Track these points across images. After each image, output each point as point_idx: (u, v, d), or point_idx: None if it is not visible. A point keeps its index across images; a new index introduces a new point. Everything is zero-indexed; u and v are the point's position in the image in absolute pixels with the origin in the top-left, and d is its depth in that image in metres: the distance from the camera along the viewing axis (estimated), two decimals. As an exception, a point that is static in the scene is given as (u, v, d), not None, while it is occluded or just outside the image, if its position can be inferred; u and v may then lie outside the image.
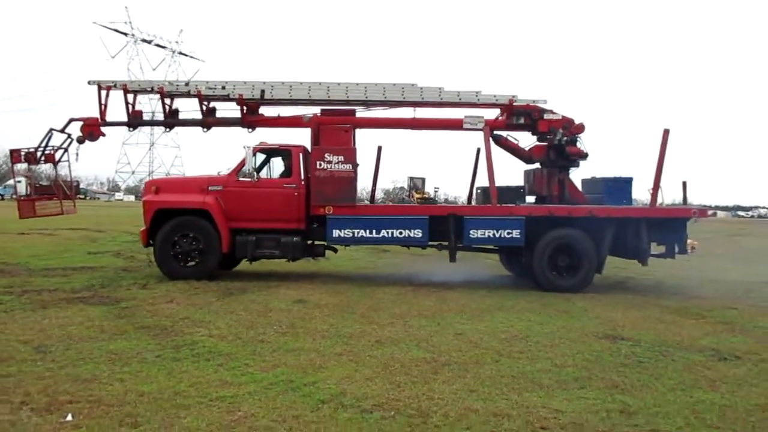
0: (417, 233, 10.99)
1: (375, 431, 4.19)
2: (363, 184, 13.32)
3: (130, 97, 11.93)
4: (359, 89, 11.70)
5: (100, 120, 11.65)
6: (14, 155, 11.81)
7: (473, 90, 11.91)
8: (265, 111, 12.18)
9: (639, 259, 11.33)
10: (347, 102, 11.79)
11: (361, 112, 11.91)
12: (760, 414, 4.80)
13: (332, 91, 11.68)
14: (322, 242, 11.37)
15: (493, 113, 12.19)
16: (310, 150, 11.31)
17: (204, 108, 11.83)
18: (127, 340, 6.36)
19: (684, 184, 12.05)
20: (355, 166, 11.06)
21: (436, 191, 39.99)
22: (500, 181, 11.64)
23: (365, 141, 11.69)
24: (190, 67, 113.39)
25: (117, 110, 11.92)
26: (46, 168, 12.46)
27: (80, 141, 11.67)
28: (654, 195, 11.32)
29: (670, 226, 11.40)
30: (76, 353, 5.81)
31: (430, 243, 11.42)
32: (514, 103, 11.79)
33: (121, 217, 31.85)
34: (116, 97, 11.83)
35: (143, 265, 12.59)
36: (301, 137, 14.28)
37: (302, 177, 11.07)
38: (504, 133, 12.24)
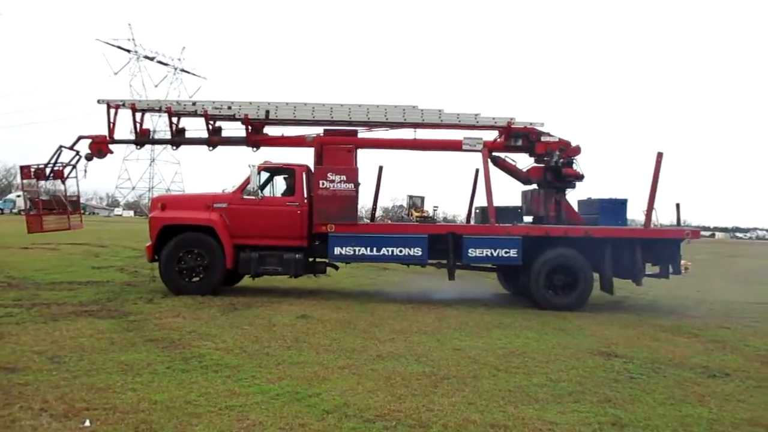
0: (417, 251, 11.22)
1: (378, 440, 4.40)
2: (363, 203, 13.58)
3: (138, 115, 12.22)
4: (361, 110, 12.01)
5: (108, 138, 11.95)
6: (24, 171, 12.05)
7: (472, 112, 12.21)
8: (270, 131, 12.48)
9: (633, 278, 11.53)
10: (350, 123, 12.09)
11: (363, 133, 12.20)
12: (746, 428, 5.01)
13: (335, 112, 11.99)
14: (323, 259, 11.59)
15: (491, 135, 12.49)
16: (312, 169, 11.58)
17: (210, 127, 12.12)
18: (137, 352, 6.58)
19: (677, 206, 12.31)
20: (357, 185, 11.32)
21: (435, 210, 40.20)
22: (498, 202, 11.91)
23: (366, 160, 11.97)
24: (192, 84, 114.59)
25: (121, 128, 12.24)
26: (46, 183, 12.65)
27: (89, 158, 11.97)
28: (648, 216, 11.56)
29: (664, 246, 11.63)
30: (89, 363, 6.03)
31: (430, 261, 11.65)
32: (512, 126, 12.09)
33: (121, 233, 32.09)
34: (121, 115, 12.14)
35: (147, 280, 12.82)
36: (304, 157, 14.59)
37: (305, 195, 11.33)
38: (502, 155, 12.53)
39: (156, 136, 13.38)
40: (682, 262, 11.65)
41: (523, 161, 12.72)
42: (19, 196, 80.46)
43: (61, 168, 11.99)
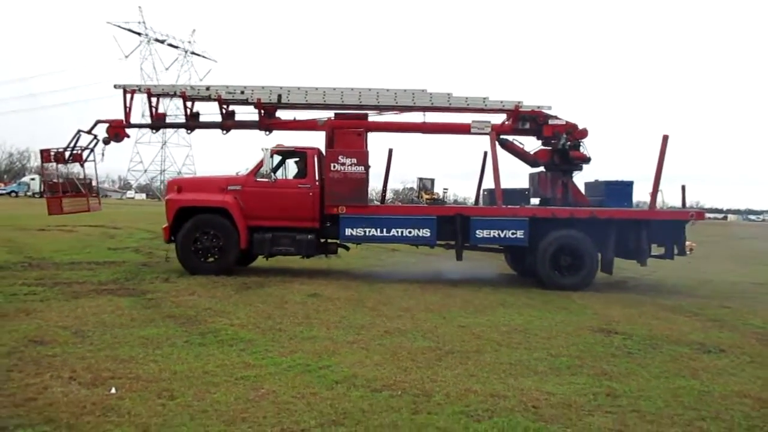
0: (425, 233, 11.48)
1: (384, 406, 4.70)
2: (374, 185, 13.83)
3: (154, 100, 12.52)
4: (371, 94, 12.22)
5: (125, 122, 12.27)
6: (44, 155, 12.42)
7: (481, 96, 12.37)
8: (281, 114, 12.74)
9: (638, 259, 11.74)
10: (360, 107, 12.30)
11: (373, 117, 12.42)
12: (735, 399, 5.26)
13: (346, 96, 12.20)
14: (334, 240, 11.89)
15: (499, 118, 12.67)
16: (324, 152, 11.85)
17: (223, 111, 12.39)
18: (157, 327, 6.92)
19: (683, 187, 12.47)
20: (367, 168, 11.57)
21: (445, 192, 40.46)
22: (506, 184, 12.12)
23: (376, 144, 12.20)
24: (203, 67, 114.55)
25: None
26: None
27: (106, 142, 12.31)
28: (653, 198, 11.75)
29: (669, 228, 11.82)
30: (112, 337, 6.38)
31: (438, 242, 11.91)
32: (520, 109, 12.26)
33: (135, 215, 32.53)
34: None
35: (162, 261, 13.19)
36: (315, 140, 14.84)
37: (317, 178, 11.60)
38: (510, 138, 12.71)
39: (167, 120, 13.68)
40: (687, 243, 11.82)
41: (531, 144, 12.94)
42: (33, 179, 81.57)
43: (79, 152, 12.34)
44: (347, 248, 12.52)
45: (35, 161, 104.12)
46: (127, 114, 12.30)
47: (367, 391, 5.05)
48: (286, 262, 13.24)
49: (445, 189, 41.38)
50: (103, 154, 12.57)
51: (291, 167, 12.21)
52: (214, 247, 11.30)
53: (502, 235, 11.52)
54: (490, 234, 11.53)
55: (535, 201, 13.38)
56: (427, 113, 12.46)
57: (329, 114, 12.32)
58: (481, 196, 14.03)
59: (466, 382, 5.40)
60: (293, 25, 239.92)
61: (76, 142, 12.28)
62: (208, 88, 12.40)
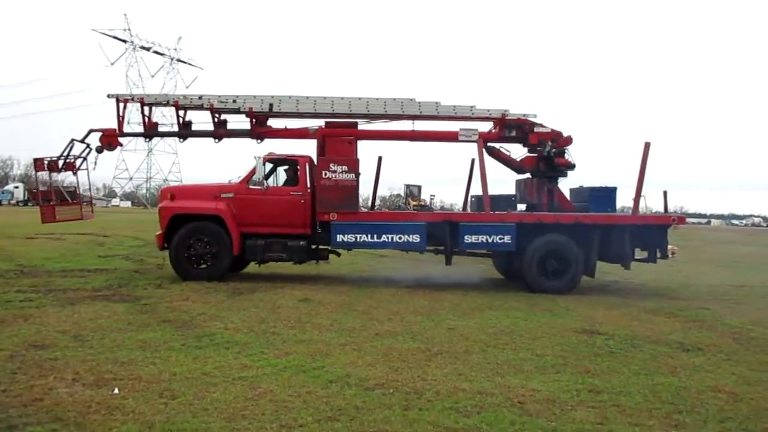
0: (415, 238, 11.72)
1: (377, 404, 4.91)
2: (363, 192, 14.05)
3: (146, 109, 12.69)
4: (361, 103, 12.47)
5: (118, 131, 12.42)
6: (38, 164, 12.53)
7: (468, 105, 12.66)
8: (273, 123, 12.96)
9: (622, 263, 12.03)
10: (350, 115, 12.53)
11: (363, 125, 12.66)
12: (710, 393, 5.53)
13: (336, 105, 12.44)
14: (326, 246, 12.09)
15: (486, 126, 12.95)
16: (315, 160, 12.06)
17: (216, 120, 12.58)
18: (153, 332, 7.09)
19: (665, 193, 12.84)
20: (358, 175, 11.80)
21: (431, 198, 40.77)
22: (493, 190, 12.40)
23: (365, 151, 12.43)
24: (189, 74, 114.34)
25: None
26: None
27: (99, 151, 12.47)
28: (636, 203, 12.07)
29: (652, 232, 12.14)
30: (111, 341, 6.55)
31: (427, 248, 12.16)
32: (507, 117, 12.56)
33: (122, 223, 32.51)
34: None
35: (153, 268, 13.32)
36: (304, 148, 15.07)
37: (308, 185, 11.81)
38: (497, 145, 13.01)
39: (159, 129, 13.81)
40: (669, 247, 12.14)
41: (517, 151, 13.25)
42: (17, 187, 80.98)
43: (72, 160, 12.47)
44: (338, 254, 12.72)
45: (18, 169, 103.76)
46: (120, 123, 12.45)
47: (361, 390, 5.26)
48: (276, 268, 13.41)
49: (431, 195, 41.71)
50: (95, 163, 12.72)
51: (283, 175, 12.39)
52: (208, 254, 11.46)
53: (489, 241, 11.78)
54: (478, 239, 11.79)
55: (521, 207, 13.67)
56: (415, 121, 12.71)
57: (320, 122, 12.53)
58: (469, 203, 14.30)
59: (455, 381, 5.63)
60: (280, 33, 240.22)
61: (69, 151, 12.41)
62: (200, 98, 12.56)
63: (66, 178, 13.29)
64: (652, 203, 12.69)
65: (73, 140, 12.42)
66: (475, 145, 12.46)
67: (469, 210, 14.14)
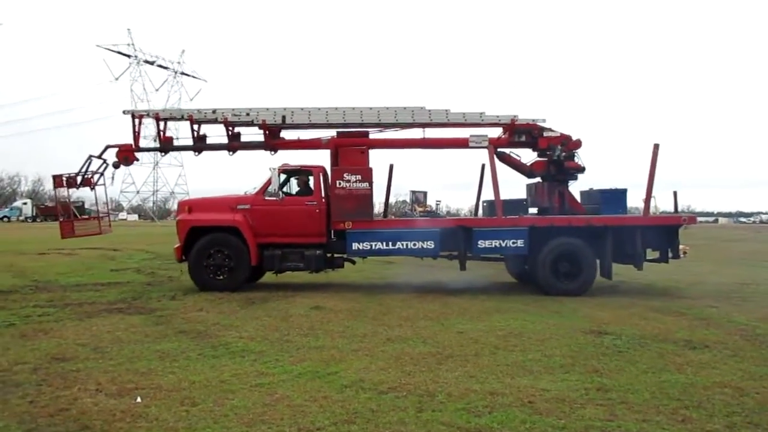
0: (429, 245, 11.89)
1: (391, 406, 5.06)
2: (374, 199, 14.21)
3: (162, 124, 12.97)
4: (372, 113, 12.67)
5: (134, 146, 12.71)
6: (57, 180, 12.83)
7: (477, 111, 12.81)
8: (285, 134, 13.24)
9: (634, 263, 12.13)
10: (362, 125, 12.74)
11: (374, 134, 12.87)
12: (716, 389, 5.65)
13: (348, 115, 12.63)
14: (341, 254, 12.27)
15: (495, 132, 13.12)
16: (328, 170, 12.29)
17: (230, 133, 12.82)
18: (170, 342, 7.27)
19: (675, 193, 13.01)
20: (372, 184, 12.00)
21: (437, 204, 40.89)
22: (504, 195, 12.57)
23: (374, 159, 12.58)
24: (193, 87, 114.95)
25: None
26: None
27: (116, 166, 12.77)
28: (646, 204, 12.20)
29: (663, 232, 12.26)
30: (130, 352, 6.73)
31: (441, 254, 12.31)
32: (516, 122, 12.69)
33: (131, 237, 32.76)
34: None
35: (165, 280, 13.53)
36: (316, 158, 15.25)
37: (323, 195, 12.02)
38: (507, 150, 13.19)
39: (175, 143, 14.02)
40: (681, 246, 12.25)
41: (527, 156, 13.44)
42: (25, 203, 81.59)
43: (90, 176, 12.75)
44: (353, 262, 12.88)
45: (26, 185, 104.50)
46: (136, 138, 12.73)
47: (375, 394, 5.41)
48: (286, 277, 13.57)
49: (437, 201, 41.81)
50: (112, 178, 13.02)
51: (296, 185, 12.58)
52: (226, 265, 11.67)
53: (503, 245, 11.94)
54: (491, 244, 11.95)
55: (533, 210, 13.83)
56: (426, 129, 12.89)
57: (331, 132, 12.74)
58: (480, 208, 14.47)
59: (466, 383, 5.77)
60: (283, 43, 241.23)
61: (87, 167, 12.72)
62: (214, 111, 12.78)
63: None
64: (661, 203, 12.79)
65: (90, 156, 12.74)
66: (484, 151, 12.63)
67: (480, 215, 14.28)
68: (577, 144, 12.75)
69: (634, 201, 13.30)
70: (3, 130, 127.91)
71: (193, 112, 12.93)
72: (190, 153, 13.33)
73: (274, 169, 11.80)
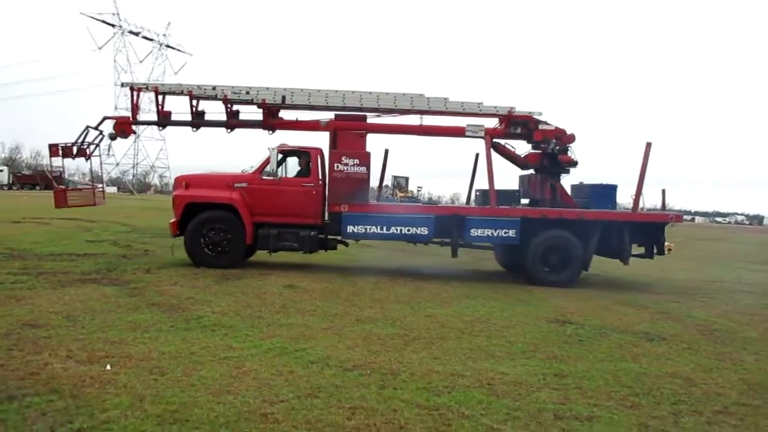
0: (423, 231, 12.08)
1: (354, 383, 5.23)
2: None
3: (160, 98, 12.94)
4: (372, 97, 12.79)
5: (131, 119, 12.75)
6: (53, 149, 12.79)
7: (476, 101, 13.00)
8: (283, 114, 13.30)
9: (621, 258, 12.47)
10: (360, 109, 12.85)
11: (372, 119, 12.98)
12: (668, 379, 5.92)
13: (347, 99, 12.74)
14: (335, 237, 12.42)
15: (492, 122, 13.29)
16: (325, 152, 12.42)
17: (228, 110, 12.86)
18: (142, 314, 7.37)
19: (663, 191, 13.39)
20: (369, 168, 12.15)
21: (419, 190, 41.05)
22: (497, 185, 12.76)
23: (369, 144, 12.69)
24: (178, 61, 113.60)
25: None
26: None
27: (112, 138, 12.81)
28: (636, 201, 12.51)
29: (650, 229, 12.56)
30: (101, 322, 6.82)
31: (434, 240, 12.53)
32: (513, 114, 12.89)
33: (108, 209, 32.37)
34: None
35: (141, 253, 13.57)
36: (311, 139, 15.38)
37: (320, 177, 12.15)
38: (502, 141, 13.38)
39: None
40: (666, 243, 12.58)
41: (522, 147, 13.69)
42: (1, 170, 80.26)
43: (85, 147, 12.75)
44: (346, 244, 13.02)
45: (3, 153, 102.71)
46: (134, 111, 12.77)
47: (340, 370, 5.58)
48: (261, 256, 13.67)
49: (418, 187, 41.95)
50: (109, 149, 13.09)
51: (295, 166, 12.62)
52: (222, 242, 11.77)
53: (495, 234, 12.15)
54: (484, 233, 12.17)
55: (524, 201, 14.08)
56: (423, 116, 13.02)
57: (329, 115, 12.84)
58: (473, 197, 14.68)
59: (429, 364, 5.97)
60: (269, 19, 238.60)
61: (84, 137, 12.71)
62: (214, 88, 12.78)
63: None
64: (647, 200, 13.07)
65: (88, 127, 12.78)
66: (473, 140, 12.87)
67: (472, 204, 14.50)
68: (571, 138, 12.99)
69: (621, 197, 13.64)
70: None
71: (193, 87, 12.86)
72: (174, 128, 13.34)
73: (273, 149, 11.90)
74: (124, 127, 12.74)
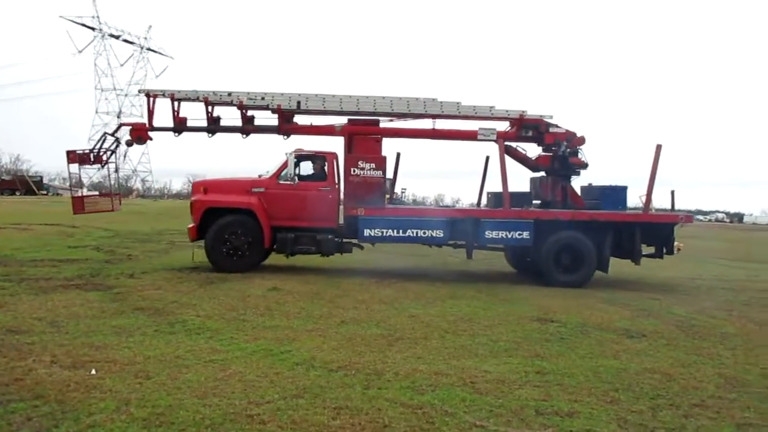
0: (438, 233, 12.22)
1: (339, 383, 5.29)
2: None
3: (176, 105, 12.92)
4: (385, 102, 12.92)
5: (148, 125, 12.76)
6: (71, 156, 12.82)
7: (488, 105, 13.16)
8: (297, 119, 13.40)
9: (632, 258, 12.64)
10: (374, 113, 12.95)
11: (384, 123, 13.08)
12: (647, 374, 6.04)
13: (361, 104, 12.87)
14: (351, 240, 12.52)
15: (503, 126, 13.43)
16: (341, 156, 12.52)
17: (243, 116, 12.92)
18: (127, 318, 7.38)
19: (672, 192, 13.58)
20: (385, 172, 12.28)
21: (403, 192, 41.16)
22: (498, 187, 12.93)
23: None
24: (159, 64, 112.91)
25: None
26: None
27: (129, 144, 12.89)
28: (647, 202, 12.70)
29: (661, 230, 12.75)
30: (86, 327, 6.82)
31: (449, 242, 12.67)
32: (524, 117, 13.07)
33: (90, 214, 32.22)
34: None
35: (124, 258, 13.52)
36: (325, 144, 15.54)
37: (336, 180, 12.26)
38: (513, 144, 13.54)
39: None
40: (675, 243, 12.76)
41: (533, 150, 13.83)
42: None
43: (102, 153, 12.83)
44: (362, 248, 13.09)
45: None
46: (150, 117, 12.78)
47: (325, 371, 5.63)
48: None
49: (403, 189, 42.01)
50: (125, 156, 13.17)
51: (312, 170, 12.68)
52: (243, 246, 11.86)
53: (509, 236, 12.30)
54: (498, 235, 12.32)
55: (535, 203, 14.23)
56: (435, 120, 13.15)
57: (342, 120, 12.95)
58: (485, 199, 14.82)
59: (413, 363, 6.04)
60: (251, 22, 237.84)
61: (101, 144, 12.76)
62: (229, 94, 12.83)
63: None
64: (655, 201, 13.31)
65: (105, 134, 12.98)
66: (490, 143, 13.05)
67: (483, 206, 14.63)
68: (581, 141, 13.21)
69: (632, 198, 13.85)
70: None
71: (209, 93, 12.90)
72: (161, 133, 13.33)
73: (290, 153, 12.06)
74: (140, 134, 12.80)
